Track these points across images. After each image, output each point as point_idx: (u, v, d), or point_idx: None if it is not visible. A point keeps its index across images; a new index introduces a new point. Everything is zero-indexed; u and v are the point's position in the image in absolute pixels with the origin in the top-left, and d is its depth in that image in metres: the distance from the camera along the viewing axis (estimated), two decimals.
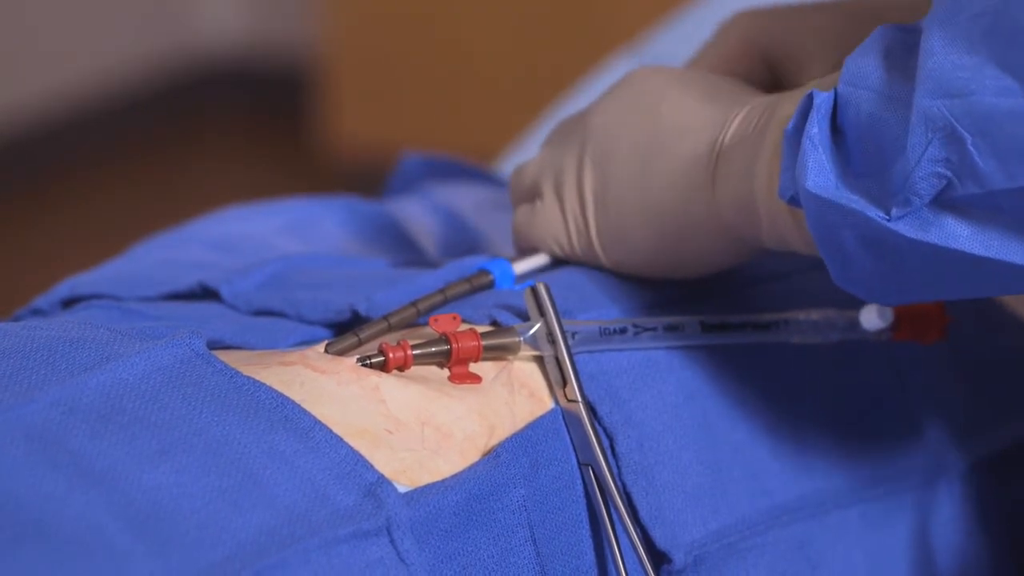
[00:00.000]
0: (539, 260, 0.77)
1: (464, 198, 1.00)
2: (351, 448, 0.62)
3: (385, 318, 0.70)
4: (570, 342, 0.68)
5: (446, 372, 0.67)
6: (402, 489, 0.62)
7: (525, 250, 0.79)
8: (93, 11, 2.99)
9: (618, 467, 0.68)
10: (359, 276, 0.78)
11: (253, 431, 0.61)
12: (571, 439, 0.67)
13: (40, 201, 2.81)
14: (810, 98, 0.62)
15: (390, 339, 0.68)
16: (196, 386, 0.62)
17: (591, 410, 0.68)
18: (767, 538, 0.71)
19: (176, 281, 0.79)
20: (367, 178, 2.05)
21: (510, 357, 0.68)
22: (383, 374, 0.65)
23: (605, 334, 0.70)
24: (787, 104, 0.66)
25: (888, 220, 0.60)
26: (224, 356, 0.66)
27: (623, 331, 0.70)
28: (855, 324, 0.74)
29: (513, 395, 0.68)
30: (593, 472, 0.66)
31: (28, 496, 0.57)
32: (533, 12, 2.52)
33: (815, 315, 0.73)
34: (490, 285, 0.75)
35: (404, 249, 0.93)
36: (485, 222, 0.97)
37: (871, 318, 0.73)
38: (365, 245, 0.93)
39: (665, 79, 0.74)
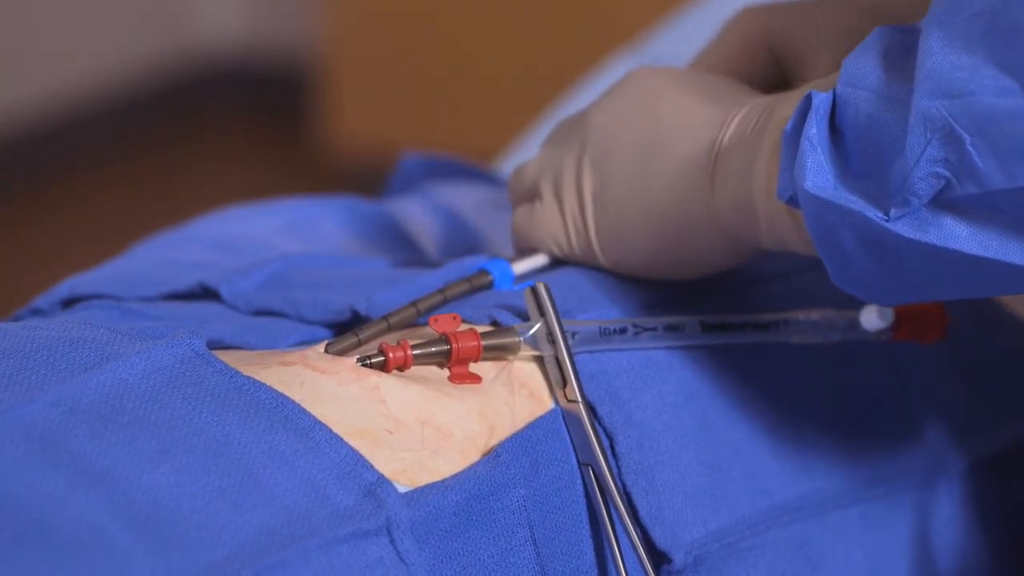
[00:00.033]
0: (538, 260, 0.77)
1: (464, 198, 1.00)
2: (351, 448, 0.62)
3: (385, 318, 0.70)
4: (570, 342, 0.68)
5: (446, 372, 0.67)
6: (402, 489, 0.62)
7: (524, 250, 0.79)
8: (93, 11, 2.99)
9: (618, 467, 0.68)
10: (359, 276, 0.78)
11: (253, 431, 0.61)
12: (571, 439, 0.67)
13: (40, 201, 2.81)
14: (808, 99, 0.62)
15: (390, 339, 0.68)
16: (196, 386, 0.62)
17: (591, 410, 0.68)
18: (767, 538, 0.71)
19: (176, 281, 0.79)
20: (367, 178, 2.05)
21: (510, 357, 0.68)
22: (383, 374, 0.66)
23: (605, 334, 0.70)
24: (785, 105, 0.66)
25: (887, 220, 0.60)
26: (224, 356, 0.66)
27: (623, 331, 0.70)
28: (855, 324, 0.74)
29: (513, 395, 0.68)
30: (593, 472, 0.66)
31: (28, 496, 0.57)
32: (533, 12, 2.52)
33: (815, 315, 0.73)
34: (489, 285, 0.75)
35: (404, 249, 0.93)
36: (485, 222, 0.97)
37: (871, 318, 0.73)
38: (365, 245, 0.93)
39: (664, 79, 0.74)
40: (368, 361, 0.66)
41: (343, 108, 2.76)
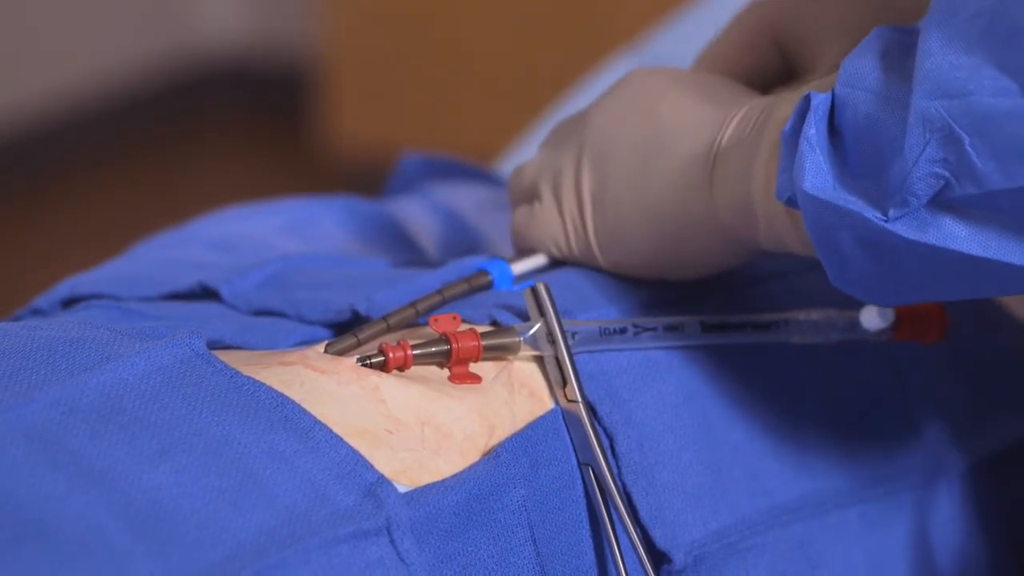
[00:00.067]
0: (537, 261, 0.77)
1: (464, 198, 1.00)
2: (351, 448, 0.62)
3: (384, 319, 0.70)
4: (570, 342, 0.68)
5: (446, 372, 0.67)
6: (402, 489, 0.62)
7: (523, 251, 0.79)
8: (93, 11, 2.99)
9: (618, 467, 0.68)
10: (359, 276, 0.78)
11: (253, 431, 0.61)
12: (571, 439, 0.67)
13: (40, 201, 2.81)
14: (807, 99, 0.62)
15: (390, 339, 0.68)
16: (196, 386, 0.62)
17: (591, 410, 0.68)
18: (767, 538, 0.71)
19: (176, 281, 0.79)
20: (367, 178, 2.05)
21: (510, 357, 0.68)
22: (383, 374, 0.66)
23: (605, 334, 0.70)
24: (784, 105, 0.66)
25: (886, 221, 0.60)
26: (224, 356, 0.66)
27: (623, 331, 0.70)
28: (855, 324, 0.74)
29: (513, 395, 0.68)
30: (593, 472, 0.66)
31: (28, 496, 0.57)
32: (533, 12, 2.52)
33: (815, 315, 0.73)
34: (488, 286, 0.75)
35: (404, 249, 0.93)
36: (485, 222, 0.97)
37: (871, 318, 0.73)
38: (365, 245, 0.93)
39: (664, 80, 0.74)
40: (368, 361, 0.66)
41: (343, 108, 2.76)
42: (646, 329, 0.71)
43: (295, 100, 3.09)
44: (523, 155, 1.19)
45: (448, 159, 1.07)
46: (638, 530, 0.66)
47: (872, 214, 0.60)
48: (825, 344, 0.74)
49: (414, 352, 0.66)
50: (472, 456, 0.65)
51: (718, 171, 0.68)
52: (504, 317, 0.70)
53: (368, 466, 0.62)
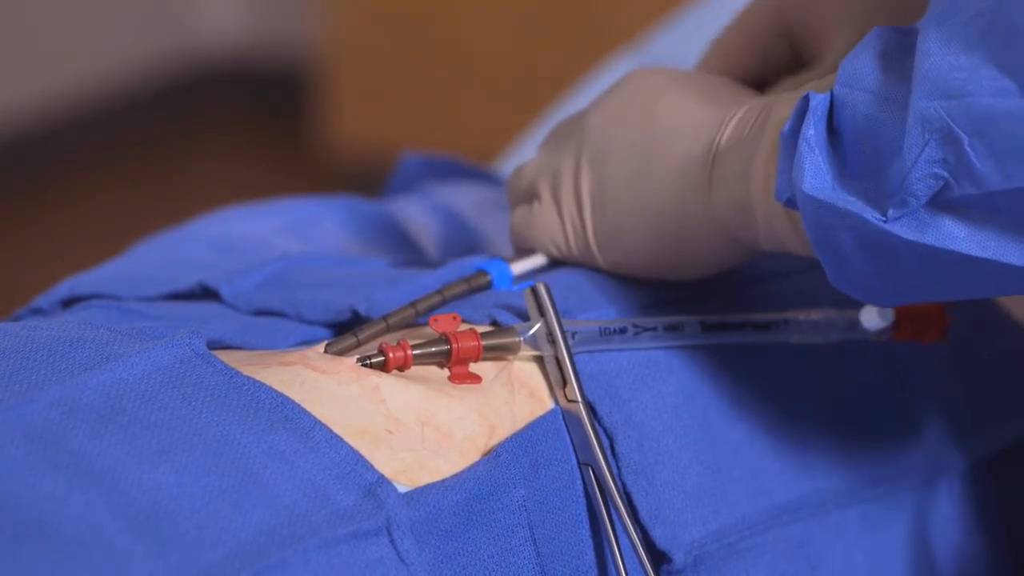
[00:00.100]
0: (536, 261, 0.77)
1: (464, 198, 1.00)
2: (351, 448, 0.62)
3: (384, 319, 0.70)
4: (570, 342, 0.68)
5: (446, 372, 0.67)
6: (402, 489, 0.62)
7: (522, 251, 0.79)
8: (93, 11, 2.99)
9: (618, 467, 0.68)
10: (359, 276, 0.78)
11: (253, 431, 0.61)
12: (571, 439, 0.67)
13: (40, 201, 2.81)
14: (806, 100, 0.62)
15: (390, 339, 0.68)
16: (196, 386, 0.62)
17: (591, 410, 0.68)
18: (767, 538, 0.71)
19: (176, 281, 0.79)
20: (367, 178, 2.05)
21: (510, 357, 0.68)
22: (383, 374, 0.66)
23: (605, 334, 0.70)
24: (783, 106, 0.66)
25: (885, 221, 0.60)
26: (224, 356, 0.66)
27: (623, 331, 0.70)
28: (855, 324, 0.74)
29: (513, 395, 0.68)
30: (593, 472, 0.66)
31: (28, 496, 0.57)
32: (533, 12, 2.52)
33: (815, 315, 0.73)
34: (488, 286, 0.75)
35: (404, 249, 0.93)
36: (485, 222, 0.97)
37: (871, 318, 0.73)
38: (365, 245, 0.93)
39: (663, 80, 0.74)
40: (368, 361, 0.66)
41: (343, 108, 2.76)
42: (646, 329, 0.71)
43: (295, 100, 3.09)
44: (523, 155, 1.19)
45: (448, 159, 1.07)
46: (638, 530, 0.66)
47: (871, 215, 0.60)
48: (825, 344, 0.74)
49: (414, 352, 0.66)
50: (472, 456, 0.65)
51: (717, 171, 0.68)
52: (504, 317, 0.70)
53: (368, 466, 0.62)
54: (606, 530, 0.66)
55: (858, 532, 0.73)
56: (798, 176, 0.61)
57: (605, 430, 0.68)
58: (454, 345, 0.67)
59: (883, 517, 0.74)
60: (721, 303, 0.74)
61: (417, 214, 0.98)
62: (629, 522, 0.66)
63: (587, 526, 0.67)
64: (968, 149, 0.57)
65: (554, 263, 0.77)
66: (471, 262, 0.76)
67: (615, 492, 0.66)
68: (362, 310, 0.73)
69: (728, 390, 0.72)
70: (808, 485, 0.73)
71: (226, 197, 1.13)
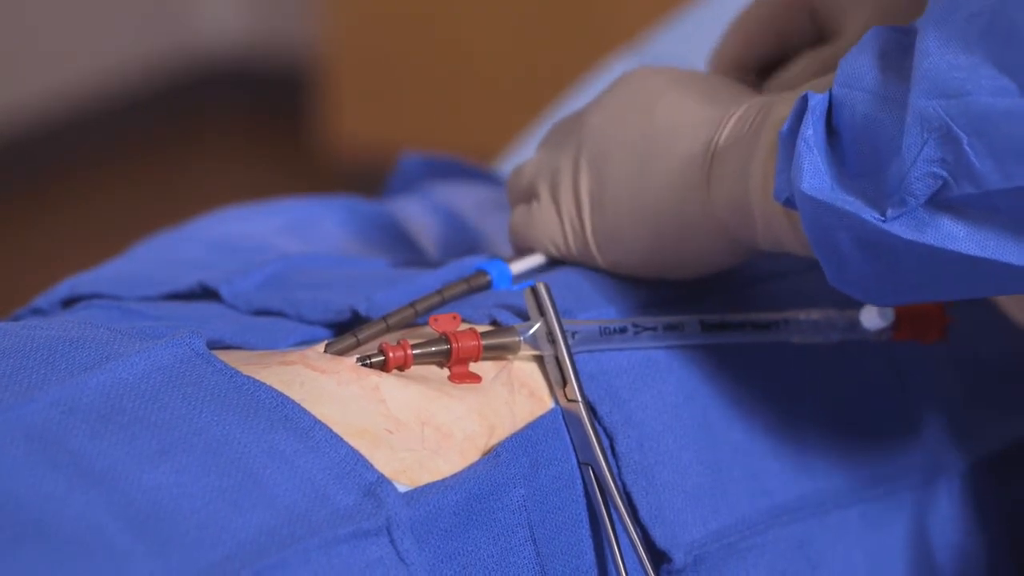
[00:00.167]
0: (536, 260, 0.77)
1: (464, 198, 1.00)
2: (351, 448, 0.62)
3: (384, 319, 0.70)
4: (570, 342, 0.68)
5: (446, 372, 0.67)
6: (402, 489, 0.62)
7: (522, 250, 0.79)
8: (93, 11, 2.99)
9: (618, 467, 0.68)
10: (359, 276, 0.78)
11: (253, 431, 0.61)
12: (571, 439, 0.67)
13: (40, 201, 2.81)
14: (805, 100, 0.62)
15: (390, 339, 0.68)
16: (196, 386, 0.62)
17: (591, 410, 0.68)
18: (767, 538, 0.71)
19: (176, 281, 0.79)
20: (367, 178, 2.05)
21: (510, 357, 0.68)
22: (383, 374, 0.66)
23: (605, 334, 0.70)
24: (782, 105, 0.66)
25: (884, 221, 0.60)
26: (224, 356, 0.66)
27: (623, 331, 0.70)
28: (855, 324, 0.74)
29: (513, 395, 0.68)
30: (593, 472, 0.66)
31: (28, 496, 0.57)
32: (533, 12, 2.52)
33: (815, 315, 0.73)
34: (487, 286, 0.75)
35: (404, 249, 0.93)
36: (485, 222, 0.97)
37: (871, 318, 0.73)
38: (365, 245, 0.93)
39: (662, 79, 0.74)
40: (368, 361, 0.66)
41: (343, 108, 2.76)
42: (646, 328, 0.71)
43: (295, 100, 3.09)
44: (523, 155, 1.19)
45: (448, 159, 1.07)
46: (638, 530, 0.66)
47: (870, 214, 0.60)
48: (825, 344, 0.74)
49: (414, 352, 0.66)
50: (472, 456, 0.65)
51: (715, 171, 0.68)
52: (504, 317, 0.70)
53: (368, 466, 0.62)
54: (606, 530, 0.66)
55: (858, 532, 0.73)
56: (797, 176, 0.61)
57: (605, 430, 0.68)
58: (454, 345, 0.67)
59: (883, 517, 0.74)
60: (721, 303, 0.74)
61: (417, 214, 0.98)
62: (629, 522, 0.66)
63: (587, 526, 0.67)
64: (967, 148, 0.57)
65: (553, 263, 0.77)
66: (471, 262, 0.76)
67: (615, 492, 0.66)
68: (362, 310, 0.73)
69: (728, 390, 0.72)
70: (808, 485, 0.73)
71: (226, 197, 1.13)
